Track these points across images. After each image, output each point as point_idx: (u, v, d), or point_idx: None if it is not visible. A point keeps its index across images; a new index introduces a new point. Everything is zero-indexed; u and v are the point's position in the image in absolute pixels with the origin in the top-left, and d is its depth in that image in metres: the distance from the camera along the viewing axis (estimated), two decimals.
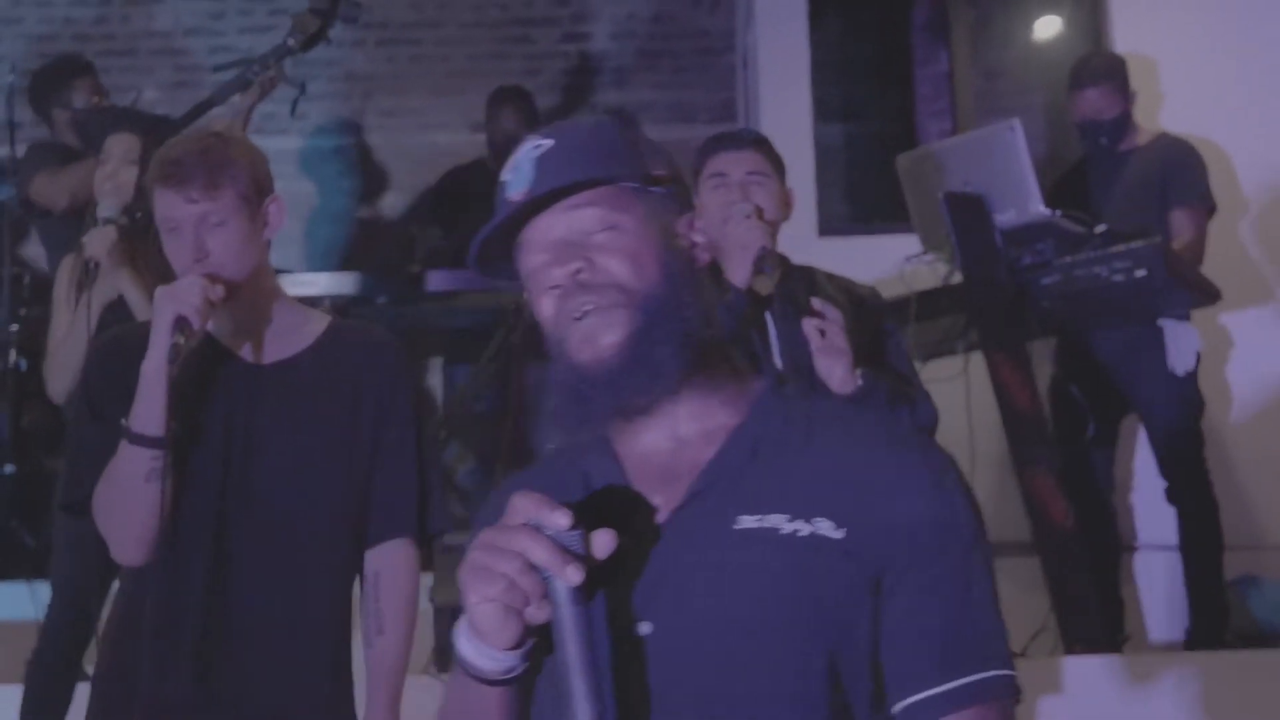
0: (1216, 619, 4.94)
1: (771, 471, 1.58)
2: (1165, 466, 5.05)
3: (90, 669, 3.09)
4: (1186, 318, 5.02)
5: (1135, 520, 5.46)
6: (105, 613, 2.80)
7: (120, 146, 4.07)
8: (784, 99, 6.06)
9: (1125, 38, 5.87)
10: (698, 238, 1.68)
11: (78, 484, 2.63)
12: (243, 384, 2.68)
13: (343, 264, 6.83)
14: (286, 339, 2.74)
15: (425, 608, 4.35)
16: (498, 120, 6.16)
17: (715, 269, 1.72)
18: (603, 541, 1.46)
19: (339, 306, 5.37)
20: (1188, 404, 5.04)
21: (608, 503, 1.59)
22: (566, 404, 1.61)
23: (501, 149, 6.12)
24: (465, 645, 1.49)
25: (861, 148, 6.79)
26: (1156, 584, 5.30)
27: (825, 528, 1.52)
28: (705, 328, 1.62)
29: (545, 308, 1.63)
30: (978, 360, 4.91)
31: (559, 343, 1.62)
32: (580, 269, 1.59)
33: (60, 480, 2.71)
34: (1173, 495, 5.04)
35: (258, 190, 2.67)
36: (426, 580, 4.27)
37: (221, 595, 2.60)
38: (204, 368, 2.66)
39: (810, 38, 6.19)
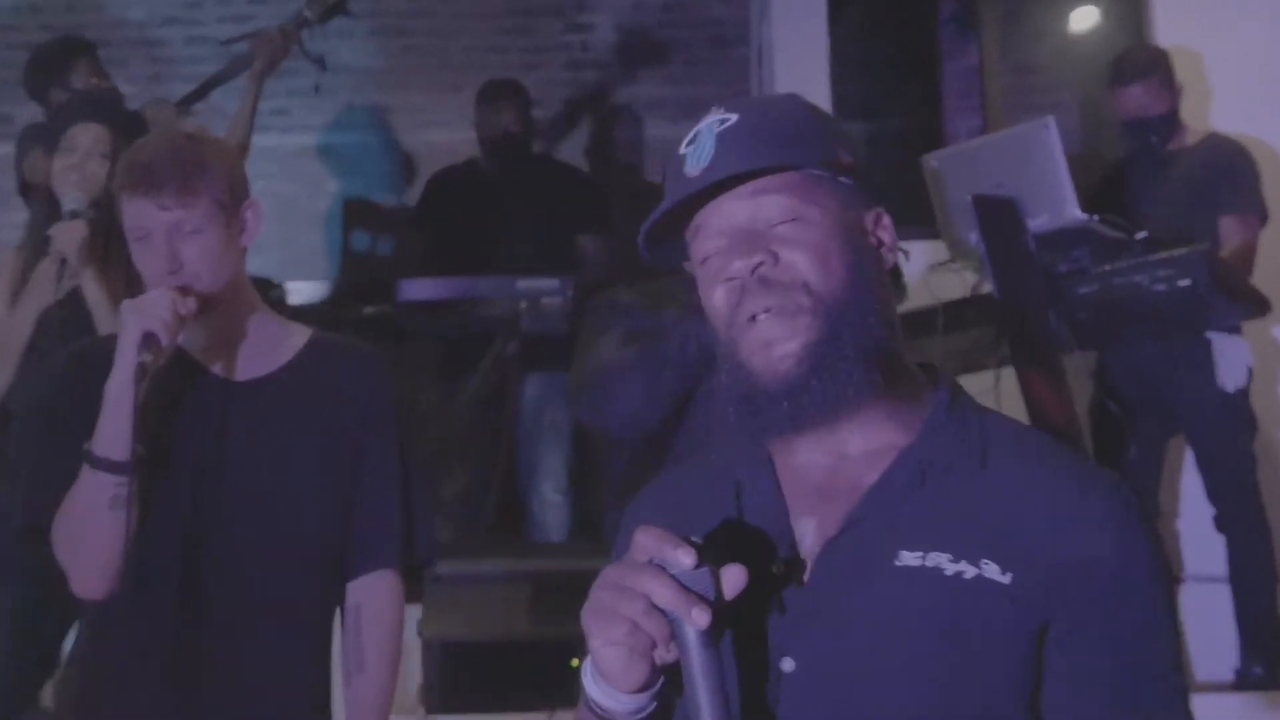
0: (1269, 657, 4.92)
1: (938, 501, 1.57)
2: (1214, 491, 5.04)
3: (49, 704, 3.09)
4: (1237, 330, 5.02)
5: (1181, 549, 5.44)
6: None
7: (87, 137, 4.05)
8: (801, 94, 6.05)
9: (1168, 30, 5.85)
10: (884, 235, 1.66)
11: (36, 510, 2.61)
12: (215, 402, 2.68)
13: (325, 272, 6.85)
14: (263, 354, 2.73)
15: (413, 641, 4.36)
16: (489, 116, 6.16)
17: (895, 271, 1.70)
18: (733, 579, 1.46)
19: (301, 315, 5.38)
20: (1238, 423, 5.03)
21: (757, 522, 1.61)
22: (738, 413, 1.59)
23: (494, 147, 6.14)
24: (591, 686, 1.50)
25: (884, 147, 6.79)
26: (1204, 619, 5.27)
27: (991, 571, 1.51)
28: (890, 336, 1.60)
29: (717, 298, 1.61)
30: (1009, 376, 4.89)
31: (729, 341, 1.61)
32: (762, 262, 1.58)
33: (14, 504, 2.68)
34: (1222, 522, 5.04)
35: (234, 195, 2.67)
36: (413, 613, 4.27)
37: (192, 629, 2.58)
38: (174, 385, 2.65)
39: (830, 29, 6.19)
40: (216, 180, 2.62)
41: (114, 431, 2.50)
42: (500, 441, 5.72)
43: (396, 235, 6.86)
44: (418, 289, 5.65)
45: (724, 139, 1.60)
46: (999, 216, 4.77)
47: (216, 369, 2.71)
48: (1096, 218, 4.77)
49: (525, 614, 4.57)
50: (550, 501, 5.93)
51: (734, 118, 1.62)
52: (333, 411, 2.71)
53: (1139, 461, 5.09)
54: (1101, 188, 5.34)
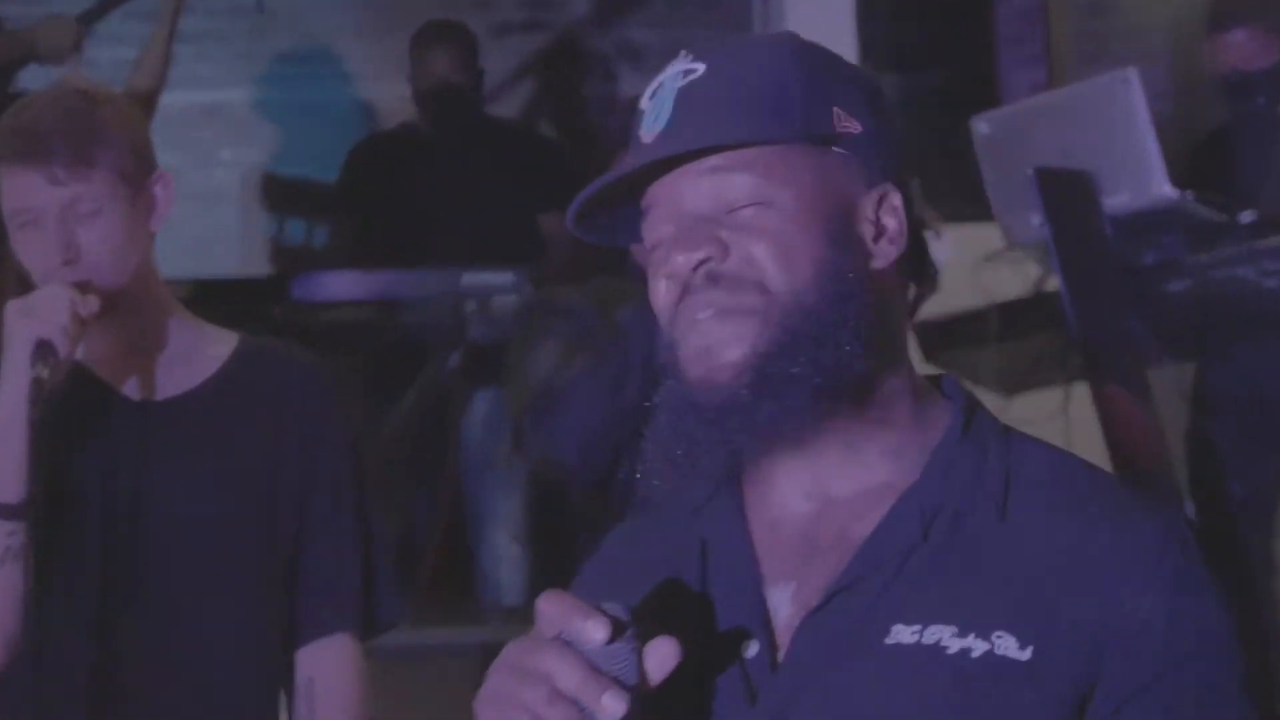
0: None
1: (945, 560, 1.58)
2: None
3: None
4: None
5: None
6: None
7: None
8: (819, 41, 6.14)
9: None
10: (890, 220, 1.65)
11: None
12: (127, 428, 2.73)
13: (218, 264, 6.90)
14: (182, 366, 2.78)
15: None
16: (425, 65, 6.23)
17: (919, 256, 1.72)
18: (661, 657, 1.47)
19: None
20: None
21: (723, 587, 1.62)
22: (667, 439, 1.62)
23: (432, 105, 6.22)
24: None
25: (922, 106, 6.84)
26: None
27: (1007, 645, 1.52)
28: (876, 350, 1.62)
29: (658, 295, 1.63)
30: (1082, 394, 4.97)
31: (671, 348, 1.63)
32: (708, 258, 1.60)
33: None
34: None
35: (140, 165, 2.72)
36: None
37: (107, 713, 2.63)
38: (74, 409, 2.70)
39: None
40: (118, 147, 2.67)
41: (4, 467, 2.55)
42: (441, 478, 5.79)
43: (310, 217, 6.91)
44: (325, 286, 5.72)
45: (685, 98, 1.63)
46: (1067, 194, 4.82)
47: (126, 387, 2.76)
48: (1191, 195, 4.81)
49: (472, 696, 4.65)
50: (504, 553, 5.94)
51: (700, 69, 1.63)
52: (271, 436, 2.77)
53: (1247, 502, 5.13)
54: (1197, 158, 5.39)
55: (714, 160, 1.62)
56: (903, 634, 1.54)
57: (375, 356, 5.97)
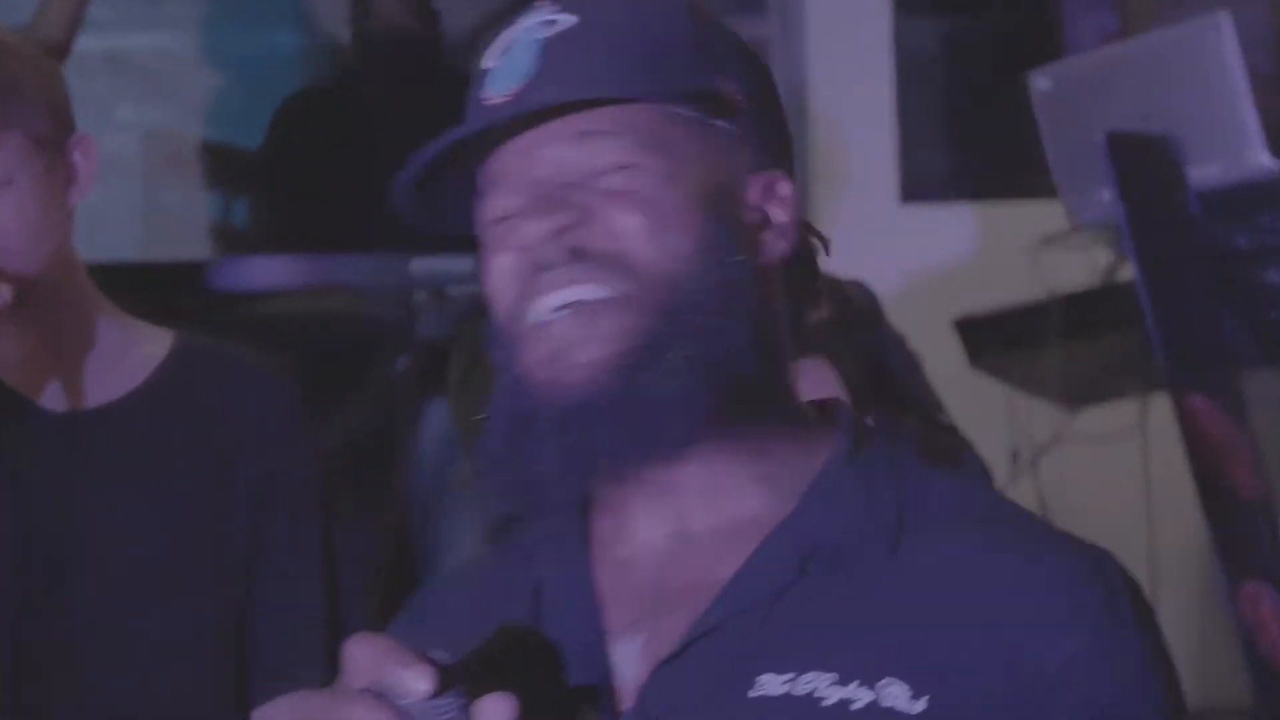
0: None
1: (824, 600, 1.59)
2: None
3: None
4: None
5: None
6: None
7: None
8: None
9: None
10: (778, 211, 1.71)
11: None
12: (46, 446, 2.72)
13: (117, 244, 6.89)
14: (109, 371, 2.77)
15: None
16: (368, 5, 6.23)
17: (805, 263, 1.75)
18: (495, 715, 1.47)
19: None
20: None
21: (560, 638, 1.63)
22: (501, 456, 1.63)
23: (375, 55, 6.23)
24: None
25: (970, 59, 6.87)
26: None
27: (895, 695, 1.53)
28: (760, 356, 1.64)
29: (497, 275, 1.65)
30: (1162, 405, 4.97)
31: (509, 342, 1.64)
32: (567, 226, 1.61)
33: None
34: None
35: (57, 128, 2.71)
36: None
37: None
38: None
39: None
40: (31, 106, 2.66)
41: None
42: (388, 503, 5.77)
43: (230, 190, 6.90)
44: (248, 273, 5.69)
45: (551, 51, 1.65)
46: (1145, 164, 4.84)
47: (46, 397, 2.74)
48: None
49: None
50: None
51: (570, 21, 1.66)
52: (218, 454, 2.75)
53: None
54: None
55: (580, 123, 1.64)
56: (771, 684, 1.55)
57: (308, 358, 5.94)
